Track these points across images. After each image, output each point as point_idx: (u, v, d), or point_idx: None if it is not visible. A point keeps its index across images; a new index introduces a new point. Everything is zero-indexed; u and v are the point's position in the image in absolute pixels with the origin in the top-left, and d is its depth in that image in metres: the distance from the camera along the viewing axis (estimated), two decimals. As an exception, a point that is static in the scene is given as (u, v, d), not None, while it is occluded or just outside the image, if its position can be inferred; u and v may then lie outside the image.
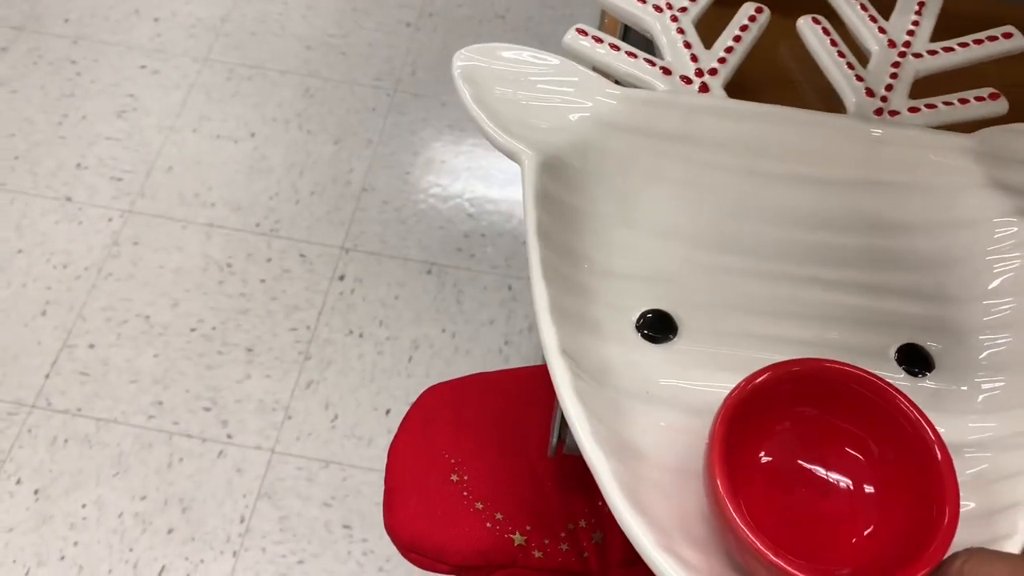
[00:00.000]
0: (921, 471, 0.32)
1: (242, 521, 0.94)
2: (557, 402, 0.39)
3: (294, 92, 1.27)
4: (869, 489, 0.34)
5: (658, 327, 0.39)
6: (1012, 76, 0.52)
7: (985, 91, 0.48)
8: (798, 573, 0.29)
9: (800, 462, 0.35)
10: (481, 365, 1.06)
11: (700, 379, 0.34)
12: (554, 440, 0.36)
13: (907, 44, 0.50)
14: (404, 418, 0.46)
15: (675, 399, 0.36)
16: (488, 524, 0.47)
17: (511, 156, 0.41)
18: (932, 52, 0.50)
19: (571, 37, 0.48)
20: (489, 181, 1.20)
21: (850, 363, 0.34)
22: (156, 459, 0.97)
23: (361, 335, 1.07)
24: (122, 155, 1.20)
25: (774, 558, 0.29)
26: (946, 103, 0.48)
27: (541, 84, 0.44)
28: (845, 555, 0.32)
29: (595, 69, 0.47)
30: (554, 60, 0.45)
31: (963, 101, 0.48)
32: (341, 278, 1.10)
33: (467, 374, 0.55)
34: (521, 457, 0.44)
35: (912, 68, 0.49)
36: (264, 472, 0.97)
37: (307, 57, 1.30)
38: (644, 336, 0.38)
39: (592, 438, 0.32)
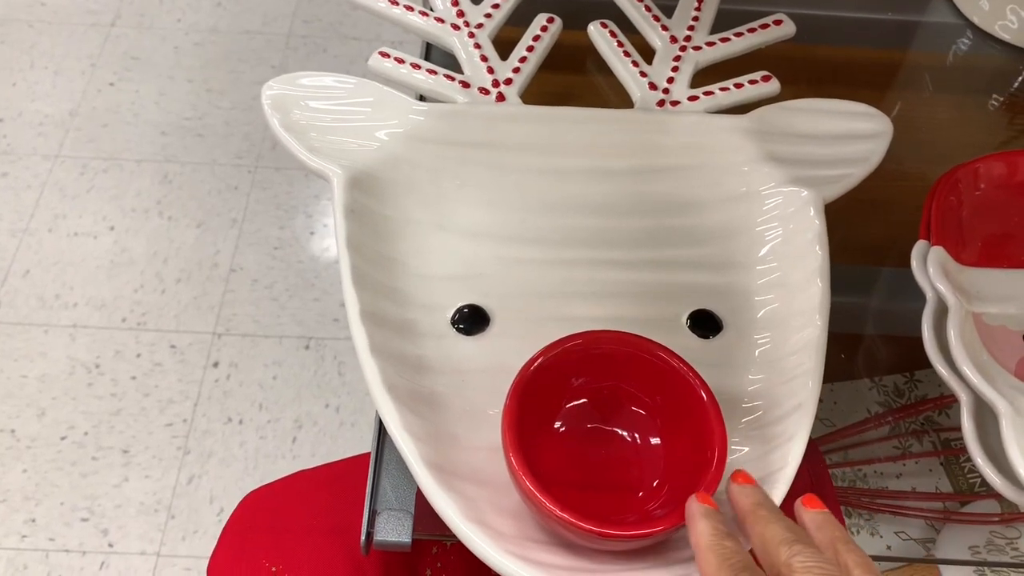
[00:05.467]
0: (694, 416, 0.35)
1: (130, 634, 0.90)
2: (365, 497, 0.39)
3: (152, 180, 1.24)
4: (656, 441, 0.36)
5: (472, 320, 0.41)
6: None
7: (758, 74, 0.51)
8: (582, 524, 0.31)
9: (593, 425, 0.37)
10: (370, 438, 1.05)
11: (510, 364, 0.35)
12: (363, 536, 0.36)
13: (688, 38, 0.53)
14: (222, 531, 0.45)
15: (487, 384, 0.37)
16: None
17: (320, 176, 0.43)
18: (711, 44, 0.53)
19: (375, 60, 0.50)
20: (360, 248, 1.19)
21: (630, 332, 0.36)
22: (33, 581, 0.92)
23: (241, 421, 1.04)
24: (-27, 264, 1.15)
25: (560, 513, 0.31)
26: (723, 89, 0.50)
27: (343, 106, 0.46)
28: (637, 505, 0.35)
29: (400, 87, 0.48)
30: (352, 81, 0.47)
31: (738, 86, 0.50)
32: (215, 365, 1.08)
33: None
34: (344, 555, 0.43)
35: (693, 60, 0.52)
36: (150, 578, 0.93)
37: (163, 143, 1.28)
38: (459, 330, 0.41)
39: (402, 428, 0.35)
